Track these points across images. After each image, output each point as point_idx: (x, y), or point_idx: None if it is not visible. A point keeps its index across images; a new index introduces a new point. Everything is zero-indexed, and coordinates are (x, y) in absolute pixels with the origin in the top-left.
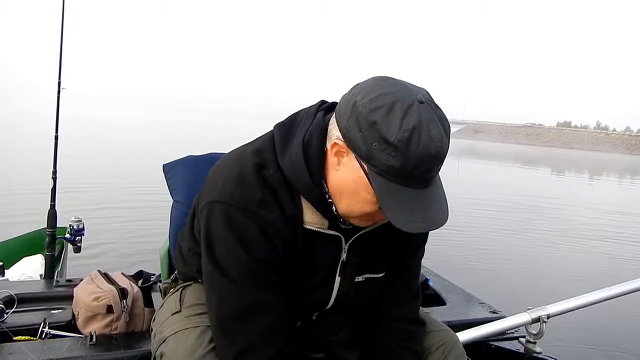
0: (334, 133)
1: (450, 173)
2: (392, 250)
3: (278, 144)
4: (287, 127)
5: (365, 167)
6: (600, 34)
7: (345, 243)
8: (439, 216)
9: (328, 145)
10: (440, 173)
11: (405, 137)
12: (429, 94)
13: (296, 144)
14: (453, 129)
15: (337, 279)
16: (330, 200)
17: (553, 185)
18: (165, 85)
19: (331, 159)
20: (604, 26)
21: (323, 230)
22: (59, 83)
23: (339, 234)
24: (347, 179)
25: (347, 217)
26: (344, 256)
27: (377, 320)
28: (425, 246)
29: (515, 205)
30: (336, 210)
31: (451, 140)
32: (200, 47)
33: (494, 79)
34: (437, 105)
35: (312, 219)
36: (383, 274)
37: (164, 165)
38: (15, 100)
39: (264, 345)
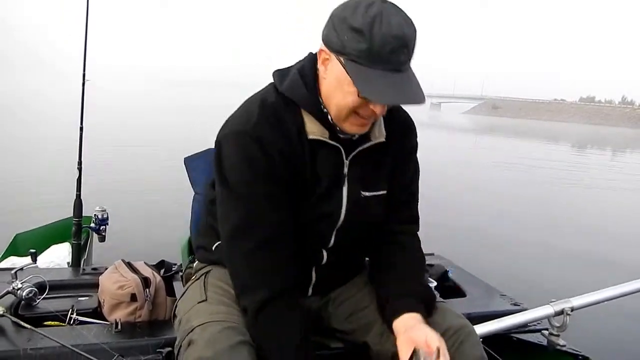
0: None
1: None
2: (389, 166)
3: (277, 80)
4: (284, 69)
5: (342, 59)
6: (625, 6)
7: (346, 158)
8: (413, 96)
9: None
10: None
11: (368, 21)
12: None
13: (293, 72)
14: (470, 105)
15: (345, 191)
16: (325, 110)
17: (579, 166)
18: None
19: (321, 72)
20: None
21: (325, 139)
22: (84, 75)
23: (339, 145)
24: (332, 80)
25: (338, 121)
26: (346, 170)
27: (381, 235)
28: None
29: (537, 193)
30: (331, 119)
31: (468, 116)
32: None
33: (514, 52)
34: (400, 8)
35: (314, 129)
36: (385, 191)
37: (185, 158)
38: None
39: (265, 253)
